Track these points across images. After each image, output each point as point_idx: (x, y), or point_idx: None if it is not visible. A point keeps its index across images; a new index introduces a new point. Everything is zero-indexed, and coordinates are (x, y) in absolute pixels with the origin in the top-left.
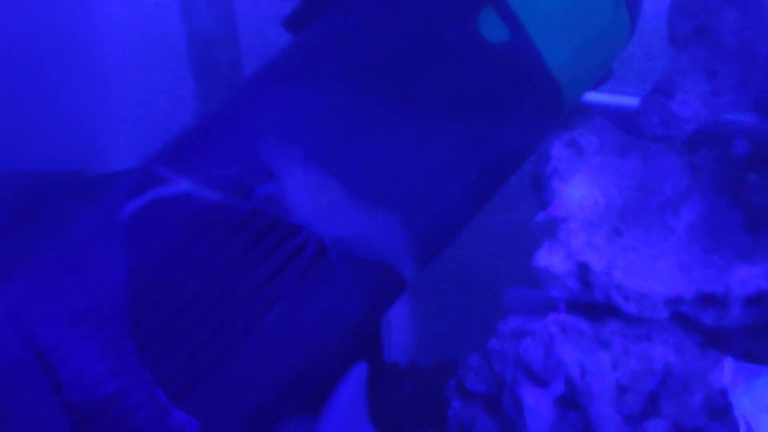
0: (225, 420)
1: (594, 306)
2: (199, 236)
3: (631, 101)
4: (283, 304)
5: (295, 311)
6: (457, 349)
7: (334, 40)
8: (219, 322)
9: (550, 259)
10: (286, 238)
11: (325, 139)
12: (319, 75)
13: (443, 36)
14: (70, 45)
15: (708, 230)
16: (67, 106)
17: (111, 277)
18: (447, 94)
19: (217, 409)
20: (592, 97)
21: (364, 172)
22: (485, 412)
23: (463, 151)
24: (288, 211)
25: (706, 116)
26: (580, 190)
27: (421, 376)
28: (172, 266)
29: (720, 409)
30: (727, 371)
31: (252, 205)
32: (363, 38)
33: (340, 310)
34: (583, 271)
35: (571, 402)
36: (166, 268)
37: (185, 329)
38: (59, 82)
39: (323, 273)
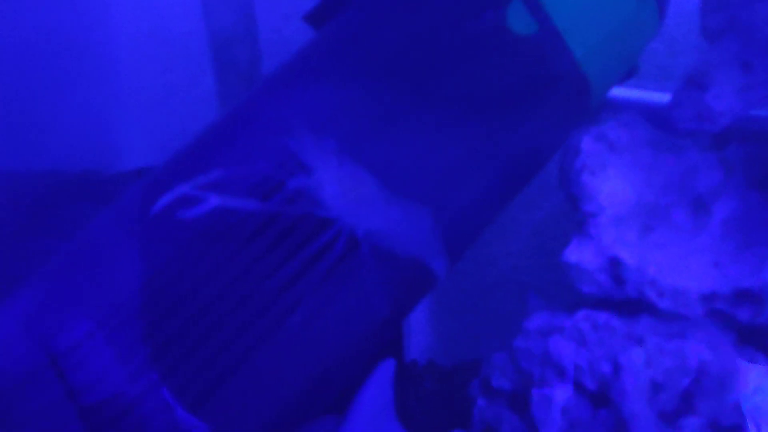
0: (245, 426)
1: (625, 302)
2: (223, 233)
3: (659, 97)
4: (309, 303)
5: (322, 310)
6: (477, 349)
7: (358, 34)
8: (241, 323)
9: (581, 254)
10: (315, 234)
11: (352, 132)
12: (345, 69)
13: (470, 29)
14: (86, 43)
15: (741, 227)
16: (83, 105)
17: (127, 280)
18: (474, 87)
19: (237, 415)
20: (619, 92)
21: (393, 166)
22: (511, 411)
23: (490, 145)
24: (319, 205)
25: (739, 110)
26: (610, 185)
27: (441, 376)
28: (193, 265)
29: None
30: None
31: (280, 200)
32: (388, 32)
33: (369, 308)
34: (614, 266)
35: (603, 399)
36: (186, 268)
37: (206, 331)
38: (75, 82)
39: (352, 269)
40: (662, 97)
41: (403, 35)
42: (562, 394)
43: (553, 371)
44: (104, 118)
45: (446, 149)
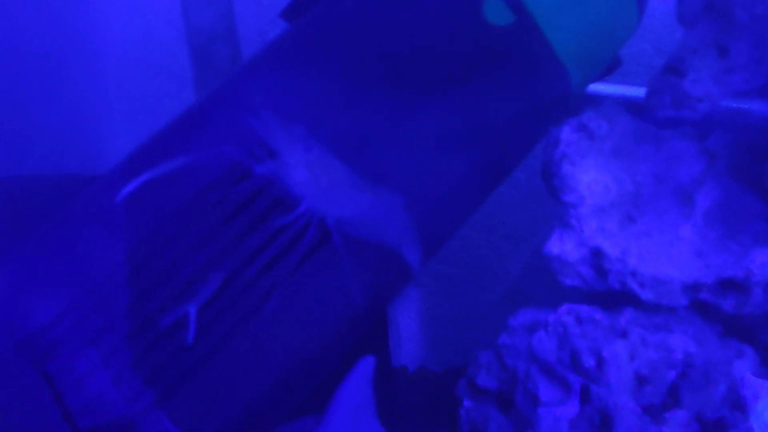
0: (218, 416)
1: (609, 294)
2: (191, 220)
3: (641, 91)
4: (280, 294)
5: (293, 301)
6: (468, 354)
7: (332, 24)
8: (212, 313)
9: (562, 246)
10: (284, 222)
11: (323, 118)
12: (318, 58)
13: (446, 19)
14: (70, 48)
15: (725, 216)
16: (62, 109)
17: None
18: (450, 77)
19: (210, 405)
20: (602, 88)
21: (364, 152)
22: (497, 410)
23: (467, 134)
24: (288, 191)
25: (718, 95)
26: (590, 175)
27: (430, 380)
28: (162, 252)
29: (743, 400)
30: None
31: (250, 185)
32: (363, 22)
33: (342, 298)
34: (596, 257)
35: (588, 394)
36: (155, 254)
37: (174, 322)
38: (54, 85)
39: (325, 258)
40: (642, 92)
41: (378, 25)
42: (547, 390)
43: (537, 367)
44: (85, 122)
45: (420, 137)
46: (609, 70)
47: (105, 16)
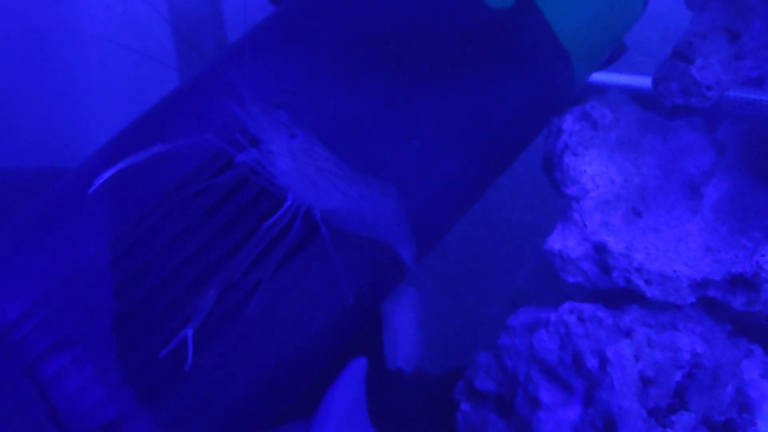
0: (203, 419)
1: (613, 292)
2: (170, 212)
3: (647, 81)
4: (267, 290)
5: (281, 296)
6: (467, 355)
7: (321, 5)
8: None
9: (564, 241)
10: (270, 213)
11: (311, 105)
12: (306, 40)
13: (442, 2)
14: (43, 31)
15: (735, 210)
16: (41, 99)
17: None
18: (446, 62)
19: (195, 407)
20: (606, 77)
21: (356, 141)
22: (496, 414)
23: (465, 122)
24: (272, 182)
25: (728, 82)
26: (594, 166)
27: (427, 383)
28: (140, 246)
29: (751, 402)
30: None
31: (232, 175)
32: (354, 2)
33: (332, 295)
34: (600, 253)
35: (591, 397)
36: (132, 249)
37: (156, 318)
38: (31, 73)
39: (312, 252)
40: (649, 81)
41: (370, 7)
42: (548, 393)
43: (538, 369)
44: (68, 111)
45: (415, 125)
46: (613, 57)
47: (86, 1)
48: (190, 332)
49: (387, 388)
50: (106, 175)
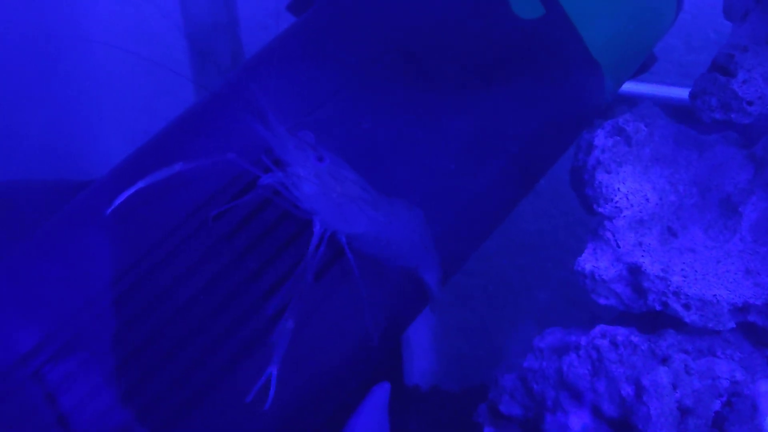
0: None
1: (647, 316)
2: (190, 236)
3: (680, 92)
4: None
5: (304, 323)
6: (485, 372)
7: (345, 18)
8: (214, 337)
9: (596, 262)
10: (294, 237)
11: (336, 124)
12: (330, 55)
13: (470, 12)
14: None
15: None
16: (52, 108)
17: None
18: (474, 75)
19: None
20: (636, 88)
21: (382, 162)
22: None
23: (492, 139)
24: (297, 205)
25: None
26: (628, 183)
27: (445, 401)
28: (160, 271)
29: None
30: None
31: (255, 197)
32: (378, 15)
33: (355, 321)
34: (634, 275)
35: (625, 426)
36: (152, 273)
37: (176, 344)
38: (42, 81)
39: (336, 278)
40: (683, 93)
41: (395, 19)
42: (579, 421)
43: (568, 395)
44: (79, 120)
45: (442, 144)
46: (644, 67)
47: (96, 7)
48: (274, 370)
49: (406, 407)
50: (125, 195)
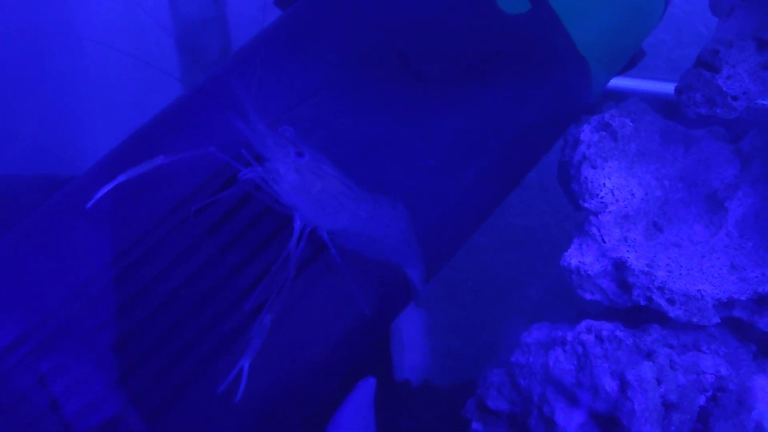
0: None
1: (633, 311)
2: (171, 231)
3: (667, 87)
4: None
5: (285, 319)
6: (475, 367)
7: (330, 13)
8: (197, 331)
9: (582, 257)
10: (276, 232)
11: (319, 119)
12: (314, 50)
13: (455, 6)
14: (43, 35)
15: (761, 226)
16: (41, 104)
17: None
18: (459, 71)
19: (198, 428)
20: (623, 83)
21: (366, 158)
22: None
23: (478, 135)
24: (277, 200)
25: (756, 93)
26: (613, 178)
27: (435, 396)
28: (142, 265)
29: None
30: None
31: (236, 192)
32: (364, 10)
33: (339, 315)
34: (619, 270)
35: (610, 421)
36: (134, 267)
37: (157, 338)
38: (31, 78)
39: (317, 274)
40: (670, 88)
41: (379, 14)
42: (565, 415)
43: (554, 390)
44: (68, 117)
45: (428, 137)
46: (631, 63)
47: (85, 4)
48: (246, 364)
49: (395, 402)
50: (105, 189)
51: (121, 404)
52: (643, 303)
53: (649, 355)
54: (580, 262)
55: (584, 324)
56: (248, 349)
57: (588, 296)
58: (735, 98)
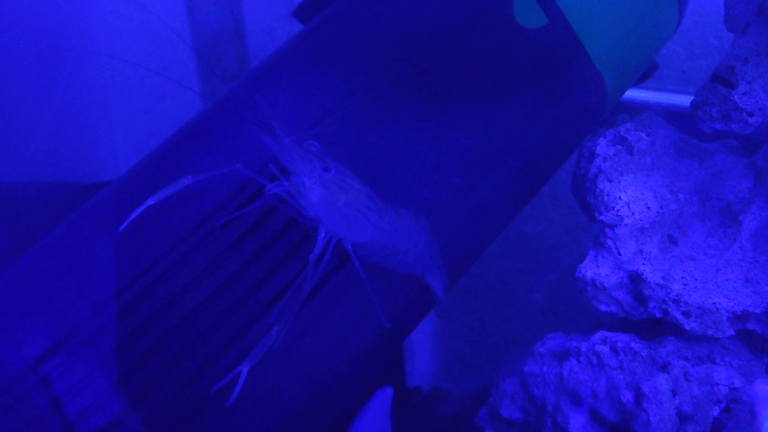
0: None
1: (648, 323)
2: (197, 245)
3: (681, 99)
4: (295, 323)
5: (309, 331)
6: (486, 375)
7: (351, 27)
8: (219, 343)
9: (597, 269)
10: (300, 245)
11: (342, 133)
12: (336, 65)
13: (472, 22)
14: (60, 42)
15: None
16: (57, 111)
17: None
18: (477, 84)
19: None
20: (637, 95)
21: (388, 171)
22: None
23: (496, 146)
24: (303, 214)
25: None
26: (629, 192)
27: (447, 403)
28: (167, 279)
29: None
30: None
31: (261, 206)
32: (384, 27)
33: (362, 327)
34: (635, 283)
35: None
36: (160, 281)
37: (181, 353)
38: (48, 85)
39: (341, 286)
40: (684, 100)
41: (399, 28)
42: (579, 425)
43: (569, 400)
44: (85, 124)
45: (447, 150)
46: (645, 75)
47: (103, 12)
48: (245, 369)
49: (406, 408)
50: (136, 212)
51: (142, 420)
52: (659, 315)
53: (664, 367)
54: (595, 273)
55: (599, 335)
56: (250, 355)
57: (603, 308)
58: (750, 114)
